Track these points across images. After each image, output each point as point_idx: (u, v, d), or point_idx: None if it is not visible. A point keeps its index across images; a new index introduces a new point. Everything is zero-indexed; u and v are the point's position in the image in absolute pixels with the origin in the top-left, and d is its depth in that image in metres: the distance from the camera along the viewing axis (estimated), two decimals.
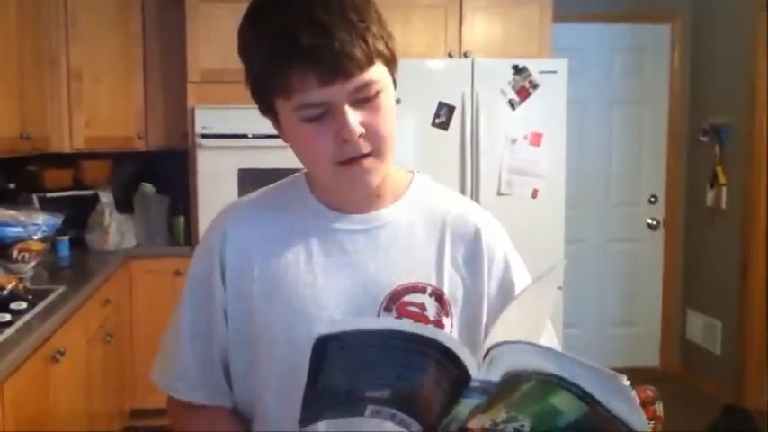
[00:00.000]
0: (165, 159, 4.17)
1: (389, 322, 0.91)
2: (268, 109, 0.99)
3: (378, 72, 0.94)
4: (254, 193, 1.14)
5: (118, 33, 4.00)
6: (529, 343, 0.76)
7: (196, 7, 3.85)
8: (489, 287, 1.06)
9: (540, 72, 3.74)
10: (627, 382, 0.68)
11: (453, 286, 1.04)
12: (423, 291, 1.02)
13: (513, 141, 3.75)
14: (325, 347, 0.78)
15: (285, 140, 1.01)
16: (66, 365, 2.54)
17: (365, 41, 0.91)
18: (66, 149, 3.87)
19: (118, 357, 3.53)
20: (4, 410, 1.98)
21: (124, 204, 4.04)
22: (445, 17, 4.02)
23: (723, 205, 4.39)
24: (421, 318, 1.01)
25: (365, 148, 0.95)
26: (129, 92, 4.05)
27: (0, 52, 2.99)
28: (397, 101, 1.00)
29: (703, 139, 4.53)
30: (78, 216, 3.74)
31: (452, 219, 1.08)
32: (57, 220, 3.14)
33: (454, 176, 3.70)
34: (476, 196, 3.68)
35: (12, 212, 2.99)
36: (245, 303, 1.04)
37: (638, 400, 0.69)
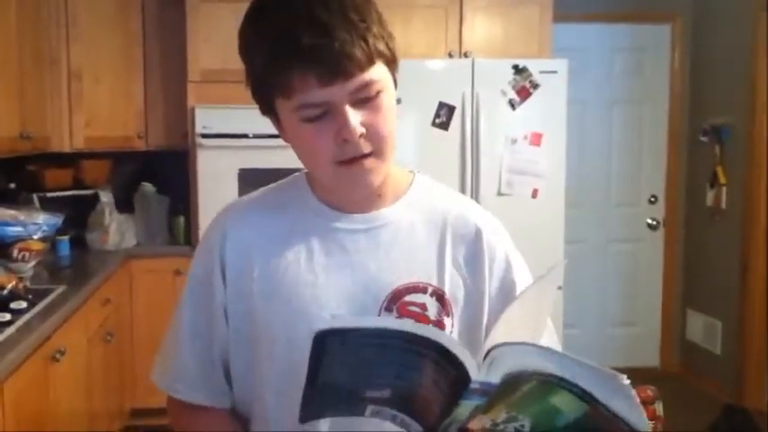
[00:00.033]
0: (165, 159, 4.17)
1: (390, 321, 0.91)
2: (269, 109, 0.99)
3: (378, 72, 0.94)
4: (255, 193, 1.13)
5: (118, 33, 4.00)
6: (529, 344, 0.76)
7: (196, 7, 3.85)
8: (490, 287, 1.06)
9: (541, 72, 3.74)
10: (627, 382, 0.69)
11: (454, 286, 1.04)
12: (424, 291, 1.02)
13: (514, 141, 3.75)
14: (324, 343, 0.78)
15: (286, 140, 1.01)
16: (66, 365, 2.54)
17: (366, 41, 0.91)
18: (67, 149, 3.87)
19: (118, 357, 3.53)
20: (4, 410, 1.98)
21: (124, 204, 4.04)
22: (445, 17, 4.02)
23: (723, 205, 4.39)
24: (422, 318, 1.01)
25: (366, 148, 0.95)
26: (129, 92, 4.05)
27: (0, 52, 2.99)
28: (398, 101, 1.00)
29: (703, 139, 4.53)
30: (78, 216, 3.74)
31: (453, 218, 1.08)
32: (57, 219, 3.14)
33: (454, 176, 3.70)
34: (476, 196, 3.68)
35: (12, 212, 2.99)
36: (245, 303, 1.04)
37: (638, 399, 0.69)
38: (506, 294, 1.05)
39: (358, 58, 0.90)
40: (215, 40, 3.79)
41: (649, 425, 0.70)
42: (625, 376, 0.69)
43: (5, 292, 2.48)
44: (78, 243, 3.73)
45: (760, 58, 4.06)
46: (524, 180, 3.77)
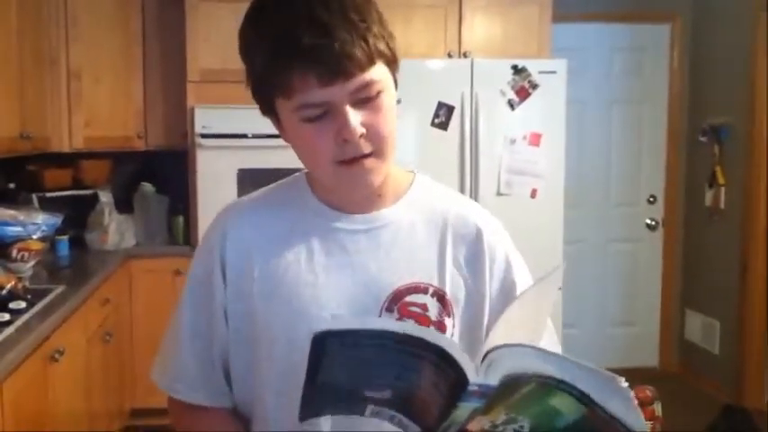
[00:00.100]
0: (164, 159, 4.17)
1: (389, 323, 0.91)
2: (269, 109, 0.99)
3: (379, 72, 0.94)
4: (255, 193, 1.13)
5: (118, 33, 4.00)
6: (527, 346, 0.76)
7: (196, 7, 3.85)
8: (491, 287, 1.06)
9: (540, 72, 3.74)
10: (625, 384, 0.69)
11: (455, 287, 1.04)
12: (424, 291, 1.02)
13: (513, 141, 3.76)
14: (323, 344, 0.78)
15: (286, 140, 1.01)
16: (65, 365, 2.54)
17: (366, 41, 0.91)
18: (66, 149, 3.86)
19: (117, 357, 3.53)
20: (3, 410, 1.98)
21: (124, 204, 4.04)
22: (445, 17, 4.02)
23: (722, 205, 4.39)
24: (423, 318, 1.01)
25: (366, 148, 0.95)
26: (128, 92, 4.05)
27: (0, 52, 2.99)
28: (398, 101, 1.00)
29: (702, 139, 4.53)
30: (78, 216, 3.74)
31: (454, 219, 1.08)
32: (56, 219, 3.14)
33: (453, 176, 3.70)
34: (475, 196, 3.68)
35: (11, 212, 2.99)
36: (245, 303, 1.04)
37: (636, 402, 0.69)
38: (507, 295, 1.05)
39: (358, 58, 0.90)
40: (214, 39, 3.79)
41: (648, 426, 0.70)
42: (623, 379, 0.69)
43: (4, 291, 2.48)
44: (78, 243, 3.73)
45: (759, 58, 4.06)
46: (523, 180, 3.77)
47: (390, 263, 1.03)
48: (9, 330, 2.24)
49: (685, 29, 4.68)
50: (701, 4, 4.62)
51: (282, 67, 0.91)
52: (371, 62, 0.92)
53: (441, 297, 1.03)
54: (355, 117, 0.92)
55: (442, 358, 0.78)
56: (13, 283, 2.56)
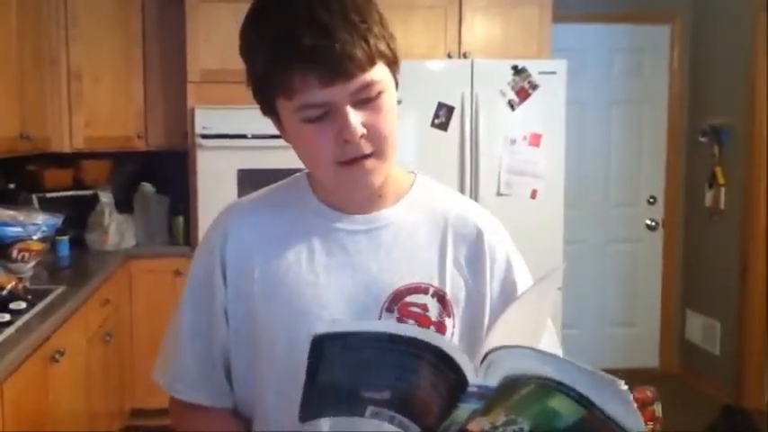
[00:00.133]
0: (164, 159, 4.17)
1: (388, 325, 0.91)
2: (270, 109, 0.99)
3: (379, 73, 0.94)
4: (256, 194, 1.14)
5: (118, 33, 4.00)
6: (527, 347, 0.76)
7: (196, 7, 3.85)
8: (491, 287, 1.06)
9: (540, 73, 3.74)
10: (625, 387, 0.69)
11: (455, 287, 1.04)
12: (425, 291, 1.02)
13: (513, 142, 3.76)
14: (322, 347, 0.79)
15: (287, 141, 1.01)
16: (65, 365, 2.54)
17: (366, 42, 0.91)
18: (66, 149, 3.87)
19: (117, 357, 3.53)
20: (3, 410, 1.98)
21: (124, 204, 4.04)
22: (445, 18, 4.02)
23: (722, 206, 4.39)
24: (423, 318, 1.01)
25: (367, 148, 0.95)
26: (128, 92, 4.05)
27: (0, 52, 2.99)
28: (398, 102, 1.00)
29: (702, 139, 4.53)
30: (78, 216, 3.74)
31: (454, 219, 1.08)
32: (56, 219, 3.14)
33: (453, 177, 3.71)
34: (475, 197, 3.68)
35: (11, 212, 2.99)
36: (245, 303, 1.04)
37: (635, 405, 0.69)
38: (507, 295, 1.05)
39: (359, 59, 0.90)
40: (215, 40, 3.79)
41: (648, 426, 0.70)
42: (623, 381, 0.69)
43: (5, 292, 2.48)
44: (78, 243, 3.73)
45: (759, 59, 4.06)
46: (523, 181, 3.77)
47: (391, 263, 1.03)
48: (9, 331, 2.24)
49: (685, 29, 4.68)
50: (700, 5, 4.62)
51: (283, 68, 0.91)
52: (372, 63, 0.92)
53: (441, 297, 1.03)
54: (356, 118, 0.93)
55: (442, 359, 0.78)
56: (13, 283, 2.56)
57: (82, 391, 2.88)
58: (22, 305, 2.45)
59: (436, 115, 3.73)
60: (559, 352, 1.05)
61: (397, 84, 0.99)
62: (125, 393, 3.67)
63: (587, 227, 4.73)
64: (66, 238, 3.54)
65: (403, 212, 1.07)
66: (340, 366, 0.81)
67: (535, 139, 3.76)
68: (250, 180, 3.69)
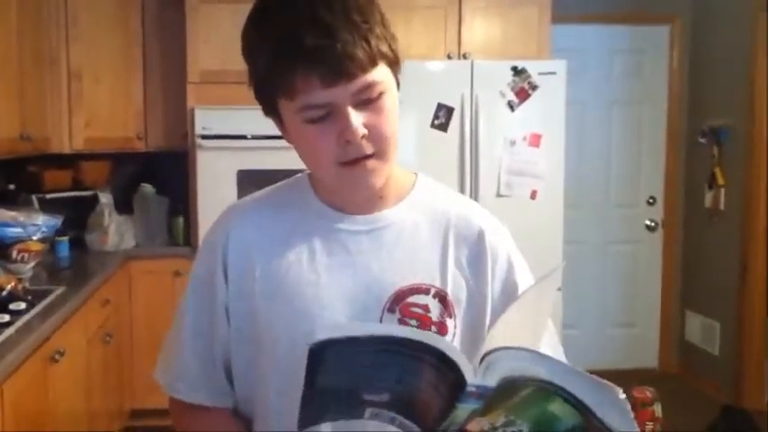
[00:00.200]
0: (164, 160, 4.17)
1: (387, 328, 0.91)
2: (271, 110, 0.99)
3: (381, 73, 0.94)
4: (257, 194, 1.14)
5: (118, 33, 4.00)
6: (526, 349, 0.76)
7: (196, 8, 3.85)
8: (493, 288, 1.06)
9: (539, 73, 3.74)
10: (623, 396, 0.68)
11: (457, 287, 1.04)
12: (426, 292, 1.02)
13: (513, 143, 3.76)
14: (321, 353, 0.78)
15: (288, 141, 1.02)
16: (65, 366, 2.54)
17: (368, 42, 0.91)
18: (66, 150, 3.87)
19: (117, 358, 3.53)
20: (3, 411, 1.98)
21: (124, 205, 4.04)
22: (444, 18, 4.02)
23: (722, 206, 4.39)
24: (424, 319, 1.01)
25: (368, 149, 0.95)
26: (128, 92, 4.06)
27: (0, 52, 2.99)
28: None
29: (702, 140, 4.53)
30: (78, 217, 3.74)
31: (456, 219, 1.08)
32: (56, 220, 3.14)
33: (453, 178, 3.71)
34: (475, 197, 3.68)
35: (11, 213, 2.99)
36: (247, 303, 1.04)
37: (632, 415, 0.69)
38: (509, 295, 1.05)
39: (360, 60, 0.90)
40: (214, 40, 3.79)
41: (648, 426, 0.70)
42: (621, 390, 0.68)
43: (5, 293, 2.48)
44: (78, 244, 3.73)
45: (759, 59, 4.06)
46: (523, 181, 3.77)
47: (392, 263, 1.03)
48: (9, 331, 2.24)
49: (685, 29, 4.69)
50: (700, 5, 4.62)
51: (285, 69, 0.91)
52: (373, 63, 0.92)
53: (442, 298, 1.03)
54: (357, 118, 0.93)
55: (442, 361, 0.78)
56: (13, 284, 2.56)
57: (82, 391, 2.88)
58: (22, 306, 2.45)
59: (436, 116, 3.73)
60: (560, 351, 1.05)
61: (398, 84, 0.99)
62: (125, 394, 3.67)
63: (587, 227, 4.73)
64: (65, 238, 3.54)
65: (404, 213, 1.07)
66: (340, 369, 0.80)
67: (535, 140, 3.76)
68: (250, 181, 3.69)
